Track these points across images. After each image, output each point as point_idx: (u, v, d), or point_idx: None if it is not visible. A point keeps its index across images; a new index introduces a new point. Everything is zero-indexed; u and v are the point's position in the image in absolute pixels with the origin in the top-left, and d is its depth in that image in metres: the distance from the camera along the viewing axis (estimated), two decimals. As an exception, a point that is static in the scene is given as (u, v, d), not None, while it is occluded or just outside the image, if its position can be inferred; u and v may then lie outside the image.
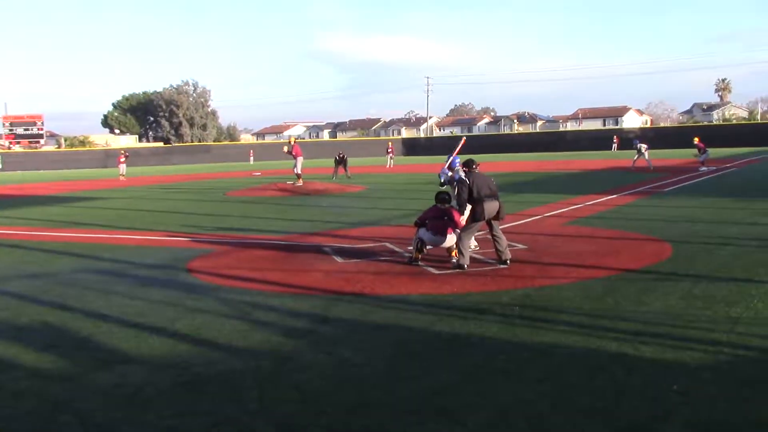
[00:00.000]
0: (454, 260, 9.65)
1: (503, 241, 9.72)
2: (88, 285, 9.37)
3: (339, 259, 10.54)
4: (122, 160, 44.10)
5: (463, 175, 10.10)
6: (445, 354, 5.85)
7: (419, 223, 9.88)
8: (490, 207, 9.63)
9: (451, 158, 11.34)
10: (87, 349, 6.39)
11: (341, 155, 35.86)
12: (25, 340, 6.73)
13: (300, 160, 26.88)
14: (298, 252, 11.49)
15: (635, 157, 30.91)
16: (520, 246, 11.07)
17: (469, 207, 9.74)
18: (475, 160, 10.14)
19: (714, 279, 8.21)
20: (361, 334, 6.59)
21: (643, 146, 30.92)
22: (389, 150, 54.05)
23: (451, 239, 9.73)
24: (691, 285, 7.94)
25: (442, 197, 10.02)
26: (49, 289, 9.13)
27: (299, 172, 26.78)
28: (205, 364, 5.82)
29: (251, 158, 73.10)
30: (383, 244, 11.80)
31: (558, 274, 8.88)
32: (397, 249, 11.18)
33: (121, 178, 42.07)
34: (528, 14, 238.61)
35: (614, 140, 65.04)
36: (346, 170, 34.98)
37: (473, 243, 10.29)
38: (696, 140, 32.25)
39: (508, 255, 9.65)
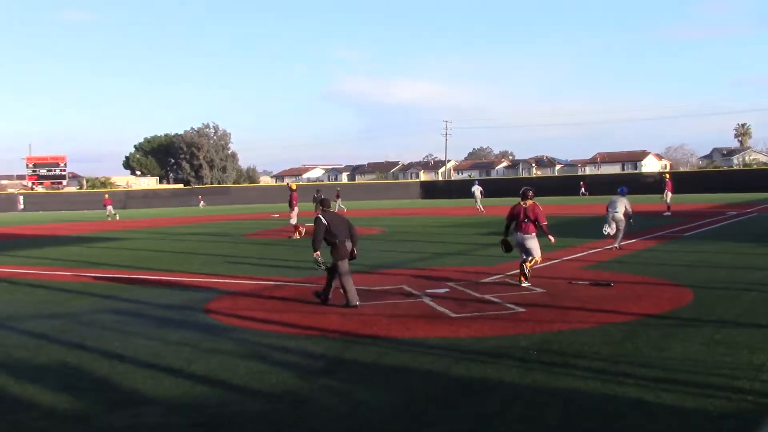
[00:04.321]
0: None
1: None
2: (106, 325, 9.41)
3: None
4: (108, 202, 46.31)
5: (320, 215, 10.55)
6: (462, 399, 5.79)
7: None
8: (347, 247, 10.14)
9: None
10: (103, 390, 6.39)
11: (319, 194, 36.22)
12: (43, 379, 6.75)
13: (296, 210, 24.96)
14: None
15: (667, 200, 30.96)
16: (539, 290, 10.99)
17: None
18: (329, 201, 11.02)
19: (736, 325, 8.08)
20: (377, 378, 6.54)
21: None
22: None
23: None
24: (713, 331, 7.82)
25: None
26: (67, 329, 9.19)
27: (294, 222, 24.60)
28: (220, 405, 5.80)
29: (201, 203, 73.99)
30: (400, 287, 11.77)
31: (577, 319, 8.80)
32: (414, 292, 11.13)
33: (109, 219, 43.74)
34: (546, 58, 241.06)
35: (581, 186, 65.45)
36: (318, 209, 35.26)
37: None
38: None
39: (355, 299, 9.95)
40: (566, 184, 77.40)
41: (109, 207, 45.50)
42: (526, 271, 11.40)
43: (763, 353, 6.76)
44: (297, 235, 23.63)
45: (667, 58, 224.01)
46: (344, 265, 10.07)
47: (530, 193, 11.78)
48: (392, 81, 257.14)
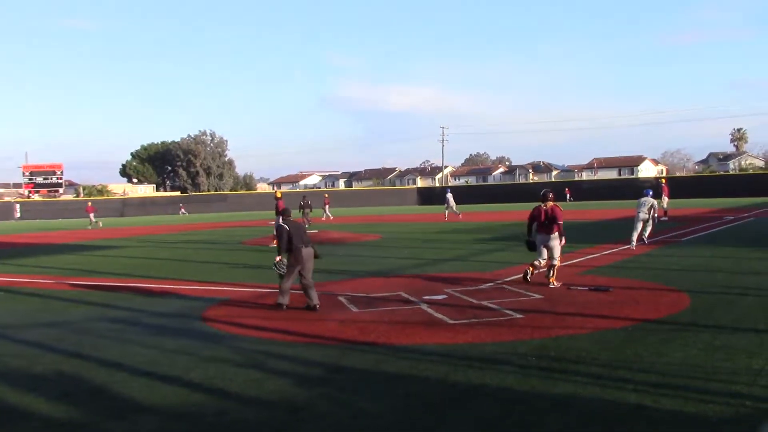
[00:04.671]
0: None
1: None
2: (103, 333, 9.38)
3: (353, 309, 10.51)
4: (91, 210, 46.57)
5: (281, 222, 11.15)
6: (461, 405, 5.77)
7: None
8: (307, 253, 10.71)
9: None
10: (100, 399, 6.36)
11: (305, 200, 36.36)
12: (40, 388, 6.72)
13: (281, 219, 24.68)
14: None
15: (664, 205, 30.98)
16: (536, 296, 10.99)
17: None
18: (290, 210, 11.69)
19: (735, 330, 8.08)
20: (376, 385, 6.52)
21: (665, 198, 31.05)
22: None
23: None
24: (711, 336, 7.82)
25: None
26: (64, 338, 9.15)
27: None
28: (218, 413, 5.77)
29: (182, 211, 73.73)
30: (398, 293, 11.75)
31: (575, 324, 8.79)
32: (412, 298, 11.12)
33: (90, 227, 43.80)
34: (543, 64, 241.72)
35: (566, 192, 65.75)
36: (304, 216, 35.62)
37: None
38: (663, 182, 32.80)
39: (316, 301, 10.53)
40: (561, 189, 77.75)
41: (92, 215, 45.67)
42: (529, 277, 12.17)
43: (762, 358, 6.76)
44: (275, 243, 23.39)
45: (662, 63, 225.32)
46: (305, 270, 10.62)
47: (550, 194, 12.32)
48: (389, 87, 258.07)
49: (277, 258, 10.73)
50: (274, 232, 11.08)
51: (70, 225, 52.60)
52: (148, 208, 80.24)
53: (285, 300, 10.70)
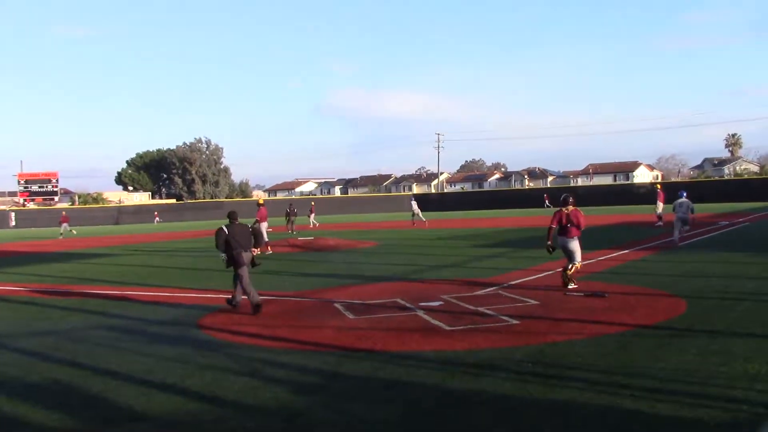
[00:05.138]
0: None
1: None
2: (98, 342, 9.36)
3: (350, 315, 10.49)
4: (65, 219, 46.75)
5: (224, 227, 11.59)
6: (458, 412, 5.76)
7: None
8: (246, 257, 11.32)
9: None
10: (96, 407, 6.34)
11: (291, 208, 36.48)
12: (35, 397, 6.70)
13: (264, 225, 23.89)
14: (309, 308, 11.45)
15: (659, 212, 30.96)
16: (533, 301, 10.99)
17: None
18: (236, 214, 11.95)
19: (731, 335, 8.09)
20: (373, 391, 6.51)
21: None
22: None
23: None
24: (707, 341, 7.83)
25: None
26: (60, 346, 9.12)
27: (266, 239, 23.32)
28: (214, 421, 5.76)
29: (156, 219, 73.42)
30: (395, 300, 11.75)
31: (571, 330, 8.79)
32: (408, 305, 11.12)
33: (62, 236, 44.13)
34: (538, 70, 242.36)
35: (545, 198, 66.19)
36: (289, 223, 35.91)
37: None
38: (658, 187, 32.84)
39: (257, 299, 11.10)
40: (558, 195, 77.84)
41: (65, 225, 45.83)
42: (566, 280, 12.42)
43: (758, 363, 6.77)
44: (269, 249, 23.32)
45: (657, 68, 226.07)
46: (243, 271, 11.17)
47: (570, 199, 12.74)
48: (384, 94, 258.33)
49: (222, 255, 11.49)
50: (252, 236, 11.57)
51: (76, 233, 52.44)
52: (143, 215, 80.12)
53: (255, 299, 11.14)
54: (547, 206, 64.19)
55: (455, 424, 5.45)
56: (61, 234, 45.05)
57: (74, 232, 46.83)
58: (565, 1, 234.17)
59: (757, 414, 5.41)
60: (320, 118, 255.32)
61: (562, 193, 13.45)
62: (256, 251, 11.74)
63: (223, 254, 11.36)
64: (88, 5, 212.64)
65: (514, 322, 9.40)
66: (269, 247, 23.44)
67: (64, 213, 51.27)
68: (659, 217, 30.42)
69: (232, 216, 11.83)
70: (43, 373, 7.70)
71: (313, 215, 46.62)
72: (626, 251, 18.92)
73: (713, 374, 6.47)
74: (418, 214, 40.61)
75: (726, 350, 7.34)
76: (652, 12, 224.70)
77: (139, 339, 9.50)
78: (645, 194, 62.79)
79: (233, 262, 11.22)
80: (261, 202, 25.54)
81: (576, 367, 6.98)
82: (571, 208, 12.61)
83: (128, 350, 8.70)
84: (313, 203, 51.52)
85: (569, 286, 12.23)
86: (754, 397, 5.76)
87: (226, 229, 11.37)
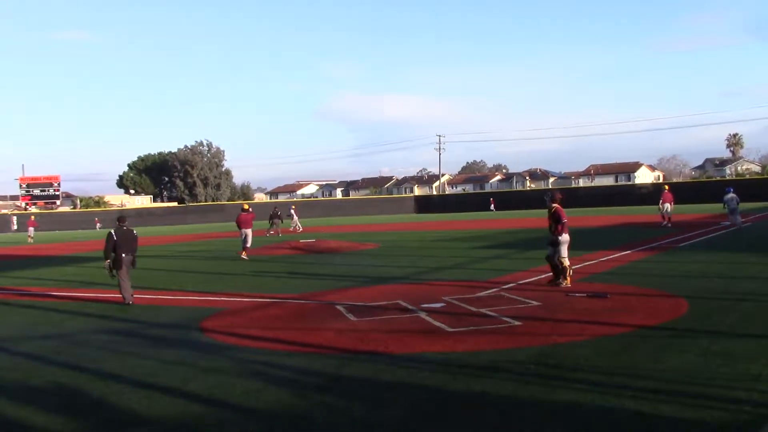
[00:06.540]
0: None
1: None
2: (101, 345, 9.36)
3: (352, 318, 10.49)
4: (32, 224, 47.25)
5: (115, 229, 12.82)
6: (460, 414, 5.76)
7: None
8: (127, 260, 12.68)
9: None
10: (98, 411, 6.35)
11: (276, 211, 36.63)
12: (37, 401, 6.70)
13: (249, 232, 23.56)
14: (311, 310, 11.45)
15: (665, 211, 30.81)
16: (534, 303, 10.99)
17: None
18: (125, 218, 13.42)
19: (733, 335, 8.08)
20: (375, 394, 6.51)
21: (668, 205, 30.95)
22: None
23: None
24: (709, 341, 7.82)
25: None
26: (62, 350, 9.13)
27: (248, 245, 23.42)
28: (217, 424, 5.76)
29: (97, 225, 71.37)
30: (396, 302, 11.75)
31: (573, 331, 8.79)
32: (410, 307, 11.12)
33: (30, 240, 43.93)
34: (540, 71, 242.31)
35: (490, 202, 66.54)
36: (273, 227, 36.08)
37: None
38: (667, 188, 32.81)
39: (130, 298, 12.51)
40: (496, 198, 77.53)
41: (31, 229, 46.04)
42: (557, 272, 12.84)
43: (760, 363, 6.76)
44: (245, 255, 23.18)
45: (658, 69, 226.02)
46: (123, 272, 12.48)
47: (557, 195, 13.21)
48: (385, 96, 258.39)
49: (105, 263, 12.54)
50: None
51: (66, 237, 52.49)
52: (145, 218, 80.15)
53: (128, 298, 12.51)
54: (492, 209, 64.88)
55: (457, 426, 5.45)
56: (30, 238, 45.17)
57: (31, 240, 46.69)
58: (567, 2, 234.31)
59: (759, 415, 5.40)
60: (322, 121, 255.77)
61: (551, 193, 13.51)
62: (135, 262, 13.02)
63: (108, 261, 12.43)
64: (90, 9, 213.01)
65: (516, 323, 9.39)
66: (245, 254, 23.13)
67: (32, 217, 51.57)
68: (664, 217, 30.13)
69: (122, 220, 13.08)
70: (45, 376, 7.71)
71: (296, 218, 45.48)
72: (627, 252, 18.91)
73: (715, 375, 6.47)
74: (296, 222, 42.56)
75: (728, 351, 7.33)
76: (653, 12, 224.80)
77: (141, 342, 9.51)
78: (647, 195, 62.76)
79: (115, 262, 12.42)
80: (246, 207, 25.13)
81: (578, 368, 6.97)
82: (555, 205, 12.95)
83: (130, 353, 8.71)
84: (293, 207, 50.11)
85: (561, 285, 12.53)
86: (757, 397, 5.76)
87: (114, 234, 12.48)
